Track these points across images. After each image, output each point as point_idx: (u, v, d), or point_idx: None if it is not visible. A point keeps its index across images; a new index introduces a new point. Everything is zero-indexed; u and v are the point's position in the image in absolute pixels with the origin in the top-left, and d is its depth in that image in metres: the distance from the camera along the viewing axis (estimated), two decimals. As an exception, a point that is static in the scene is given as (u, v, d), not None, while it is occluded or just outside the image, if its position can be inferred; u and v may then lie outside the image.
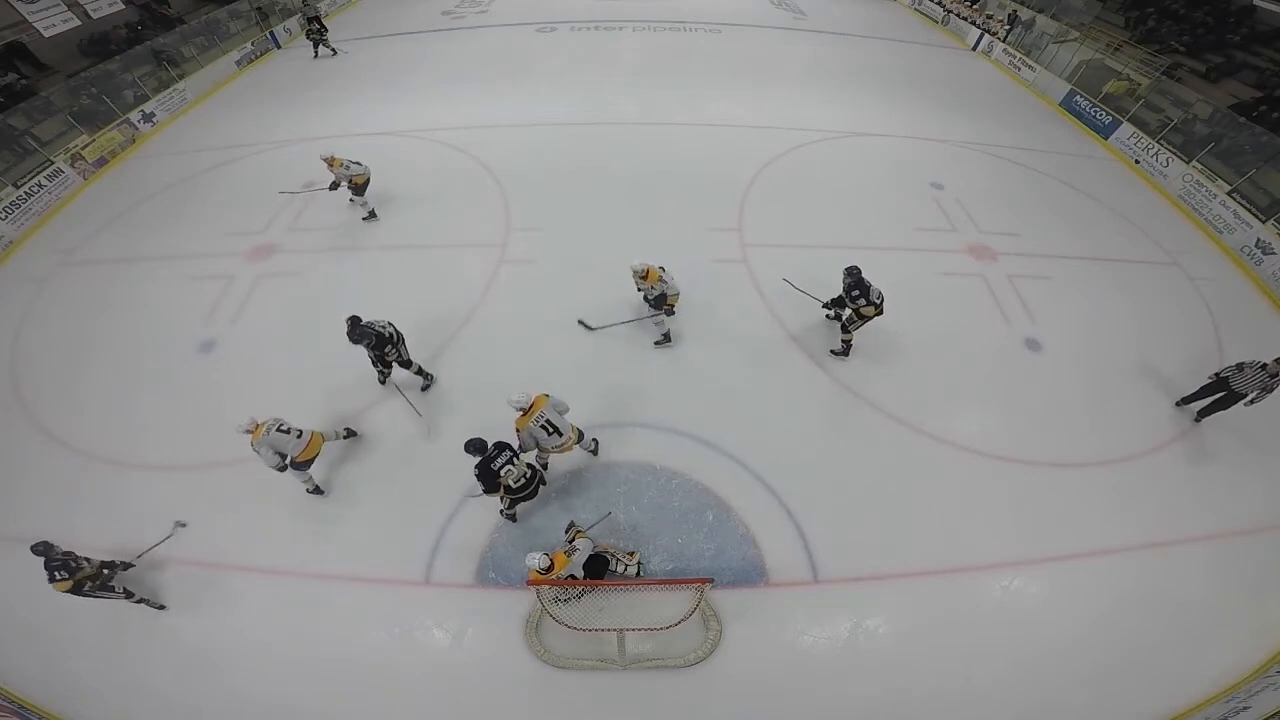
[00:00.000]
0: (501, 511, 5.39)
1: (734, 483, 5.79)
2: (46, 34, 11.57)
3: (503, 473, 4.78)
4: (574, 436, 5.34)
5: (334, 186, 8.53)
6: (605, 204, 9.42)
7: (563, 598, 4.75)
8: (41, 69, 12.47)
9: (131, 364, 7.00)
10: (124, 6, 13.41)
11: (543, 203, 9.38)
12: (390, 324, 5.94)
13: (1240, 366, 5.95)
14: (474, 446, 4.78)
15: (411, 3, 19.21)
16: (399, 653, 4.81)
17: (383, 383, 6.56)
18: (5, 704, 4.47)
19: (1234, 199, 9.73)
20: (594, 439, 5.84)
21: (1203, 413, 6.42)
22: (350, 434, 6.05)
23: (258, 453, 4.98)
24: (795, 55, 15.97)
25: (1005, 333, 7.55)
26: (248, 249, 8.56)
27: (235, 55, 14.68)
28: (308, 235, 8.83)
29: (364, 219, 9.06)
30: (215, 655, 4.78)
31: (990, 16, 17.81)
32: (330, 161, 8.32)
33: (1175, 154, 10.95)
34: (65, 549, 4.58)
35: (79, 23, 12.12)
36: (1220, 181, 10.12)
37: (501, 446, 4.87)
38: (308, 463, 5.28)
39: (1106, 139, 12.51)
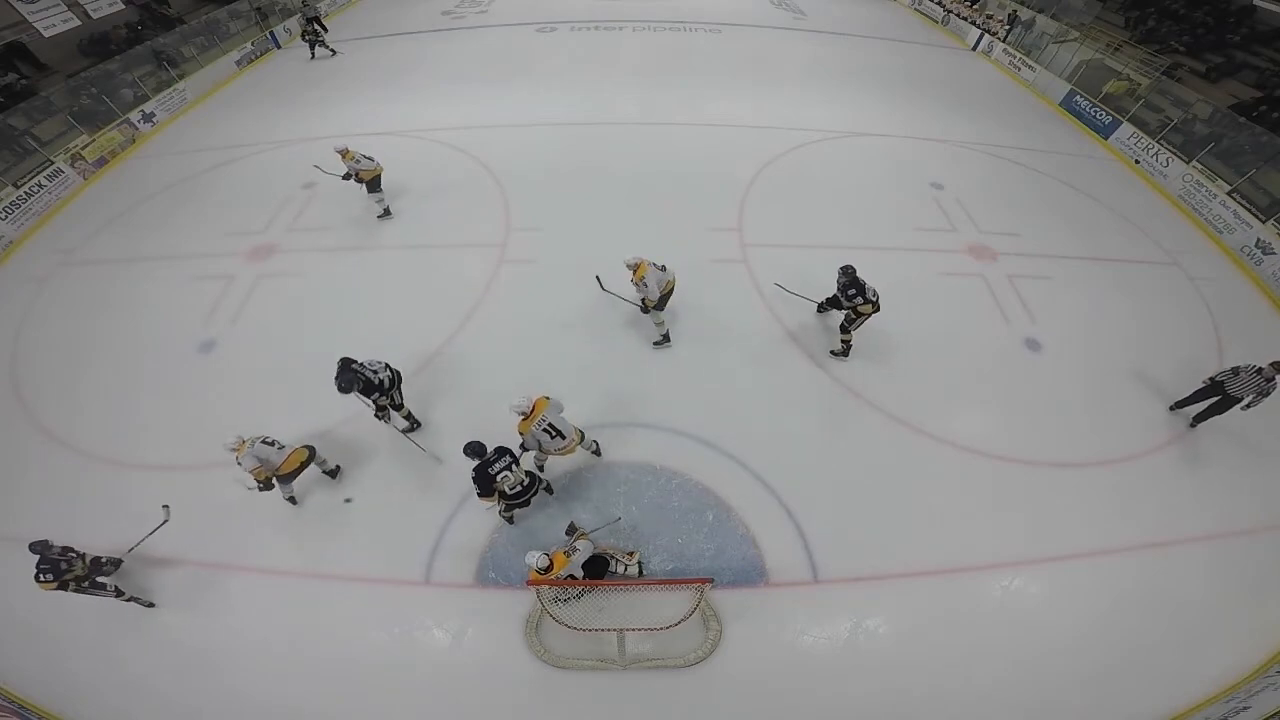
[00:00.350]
0: (499, 513, 5.39)
1: (734, 483, 5.79)
2: (46, 34, 11.58)
3: (499, 478, 4.77)
4: (577, 438, 5.34)
5: (346, 177, 8.60)
6: (605, 204, 9.42)
7: (563, 598, 4.75)
8: (41, 69, 12.48)
9: (131, 364, 7.00)
10: (124, 6, 13.41)
11: (543, 203, 9.38)
12: (387, 366, 5.62)
13: (1235, 371, 5.91)
14: (473, 450, 4.79)
15: (411, 3, 19.21)
16: (399, 653, 4.81)
17: (381, 419, 5.94)
18: (5, 704, 4.47)
19: (1234, 199, 9.73)
20: (594, 440, 5.83)
21: (1198, 418, 6.38)
22: (336, 472, 5.80)
23: (239, 464, 4.92)
24: (795, 55, 15.96)
25: (1005, 333, 7.55)
26: (248, 249, 8.56)
27: (235, 55, 14.68)
28: (308, 235, 8.83)
29: (379, 217, 9.07)
30: (215, 655, 4.78)
31: (990, 16, 17.81)
32: (344, 154, 8.40)
33: (1175, 154, 10.95)
34: (63, 546, 4.59)
35: (79, 23, 12.13)
36: (1220, 181, 10.13)
37: (501, 452, 4.86)
38: (290, 475, 5.25)
39: (1106, 139, 12.51)
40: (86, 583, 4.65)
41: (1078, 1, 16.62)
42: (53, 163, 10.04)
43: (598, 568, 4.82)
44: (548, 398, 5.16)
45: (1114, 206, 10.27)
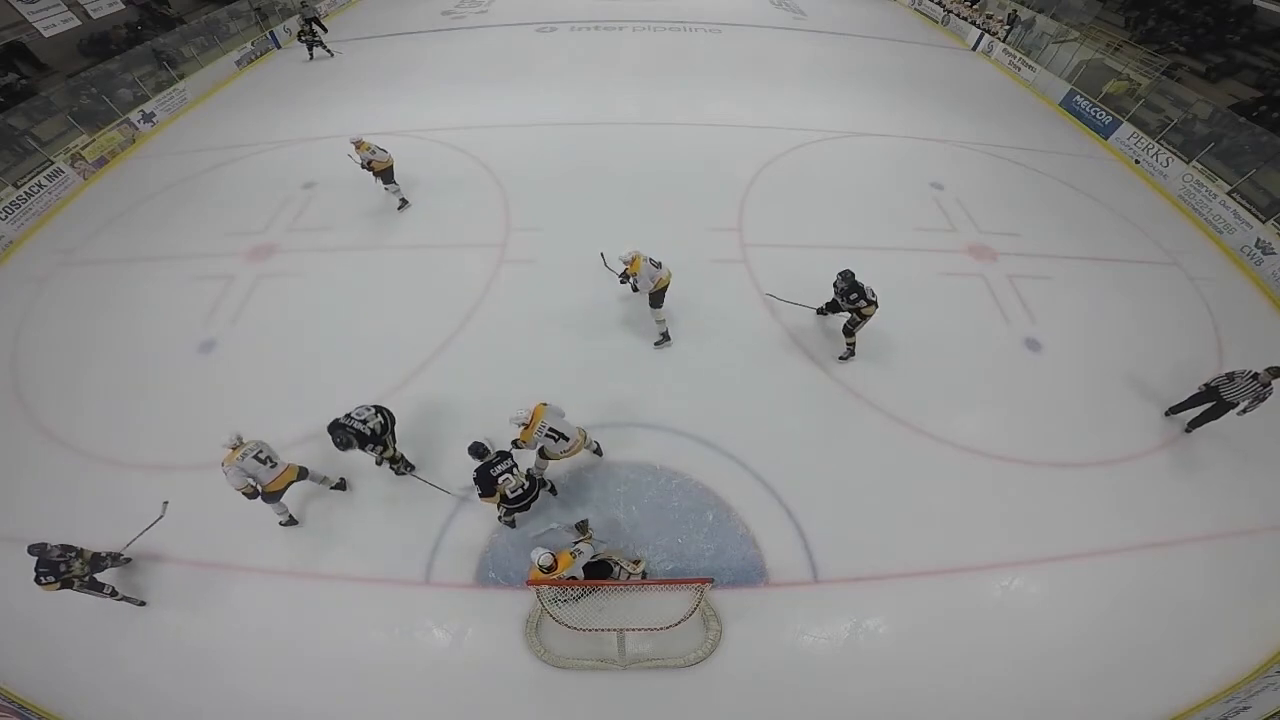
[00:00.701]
0: (499, 518, 5.39)
1: (734, 483, 5.79)
2: (46, 34, 11.58)
3: (500, 480, 4.79)
4: (581, 439, 5.33)
5: (364, 166, 8.75)
6: (605, 204, 9.42)
7: (563, 598, 4.74)
8: (41, 69, 12.49)
9: (131, 364, 7.00)
10: (124, 6, 13.41)
11: (543, 203, 9.38)
12: (377, 410, 5.29)
13: (1231, 376, 5.88)
14: (475, 451, 4.81)
15: (411, 3, 19.21)
16: (399, 653, 4.81)
17: (396, 470, 5.73)
18: (5, 704, 4.47)
19: (1234, 199, 9.73)
20: (595, 440, 5.83)
21: (1193, 423, 6.35)
22: (343, 485, 5.68)
23: (225, 474, 4.81)
24: (795, 55, 15.96)
25: (1005, 333, 7.55)
26: (248, 249, 8.56)
27: (235, 55, 14.69)
28: (308, 235, 8.83)
29: (398, 208, 9.25)
30: (215, 655, 4.78)
31: (990, 16, 17.81)
32: (358, 145, 8.54)
33: (1175, 154, 10.95)
34: (61, 545, 4.59)
35: (79, 23, 12.12)
36: (1220, 181, 10.13)
37: (503, 455, 4.88)
38: (277, 494, 5.12)
39: (1106, 139, 12.51)
40: (87, 580, 4.65)
41: (1078, 1, 16.62)
42: (53, 163, 10.04)
43: (599, 571, 4.82)
44: (546, 404, 5.16)
45: (1114, 206, 10.27)
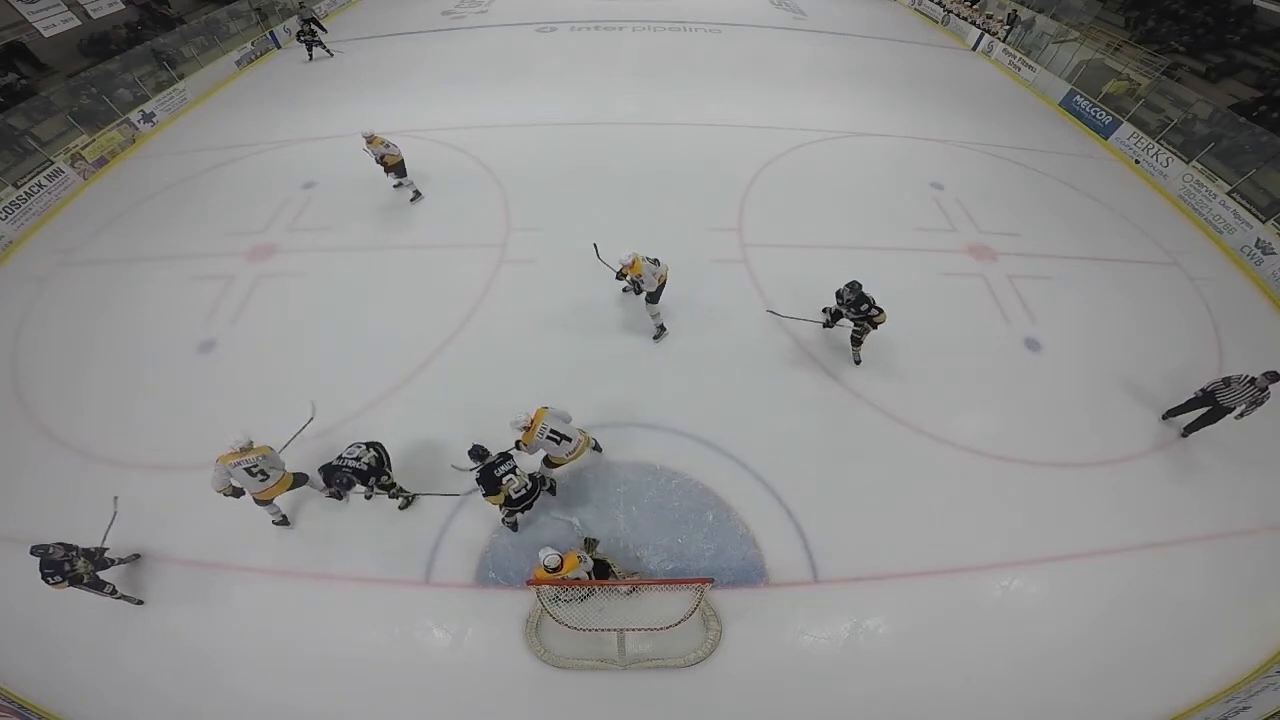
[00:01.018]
0: (503, 520, 5.38)
1: (734, 483, 5.79)
2: (46, 34, 11.57)
3: (504, 481, 4.80)
4: (584, 441, 5.33)
5: (378, 161, 8.86)
6: (605, 204, 9.42)
7: (566, 598, 4.74)
8: (41, 69, 12.48)
9: (131, 364, 7.00)
10: (124, 6, 13.40)
11: (543, 203, 9.38)
12: (368, 445, 5.11)
13: (1227, 381, 5.87)
14: (476, 454, 4.81)
15: (411, 3, 19.20)
16: (399, 653, 4.81)
17: (399, 500, 5.57)
18: (5, 704, 4.47)
19: (1234, 199, 9.73)
20: (593, 438, 5.82)
21: (1190, 428, 6.33)
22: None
23: (212, 470, 4.79)
24: (795, 55, 15.96)
25: (1005, 333, 7.55)
26: (248, 249, 8.56)
27: (235, 55, 14.68)
28: (308, 235, 8.83)
29: (411, 200, 9.38)
30: (214, 655, 4.78)
31: (990, 16, 17.81)
32: (370, 139, 8.62)
33: (1175, 154, 10.95)
34: (62, 545, 4.58)
35: (79, 23, 12.11)
36: (1220, 181, 10.13)
37: (505, 456, 4.90)
38: (267, 501, 5.15)
39: (1106, 139, 12.51)
40: (91, 578, 4.67)
41: (1078, 1, 16.61)
42: (53, 163, 10.04)
43: (599, 571, 4.83)
44: (547, 407, 5.16)
45: (1114, 206, 10.27)
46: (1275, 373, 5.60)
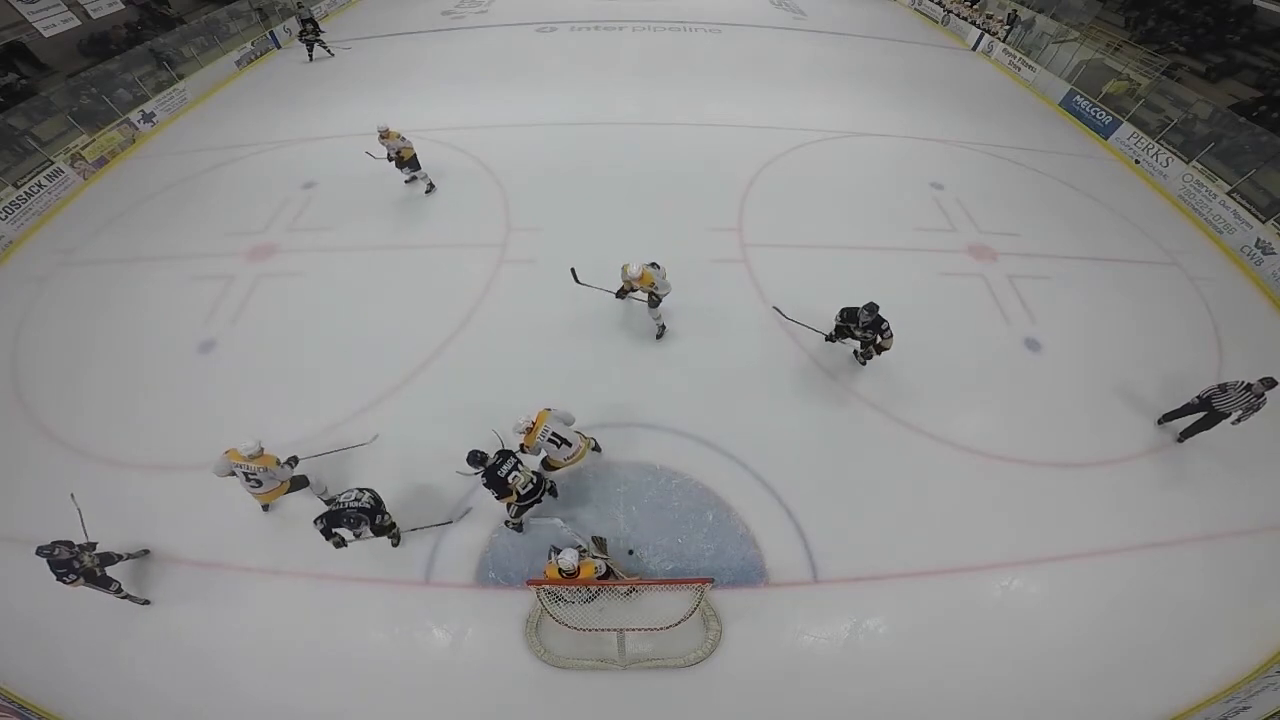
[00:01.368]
0: (507, 522, 5.38)
1: (734, 483, 5.79)
2: (46, 34, 11.57)
3: (510, 478, 4.78)
4: (585, 445, 5.32)
5: (394, 155, 8.93)
6: (606, 204, 9.42)
7: (568, 599, 4.73)
8: (41, 69, 12.48)
9: (131, 364, 7.00)
10: (124, 6, 13.40)
11: (543, 203, 9.38)
12: (361, 490, 4.93)
13: (1224, 387, 5.84)
14: (475, 459, 4.77)
15: (411, 3, 19.20)
16: (399, 653, 4.81)
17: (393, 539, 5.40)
18: (5, 704, 4.47)
19: (1234, 199, 9.73)
20: (593, 438, 5.82)
21: (1185, 433, 6.29)
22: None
23: (217, 459, 4.89)
24: (795, 55, 15.96)
25: (1005, 333, 7.55)
26: (248, 249, 8.56)
27: (235, 55, 14.68)
28: (308, 235, 8.83)
29: (425, 192, 9.55)
30: (215, 655, 4.78)
31: (990, 16, 17.80)
32: (385, 134, 8.71)
33: (1175, 154, 10.94)
34: (64, 544, 4.57)
35: (79, 23, 12.12)
36: (1220, 181, 10.12)
37: (505, 455, 4.88)
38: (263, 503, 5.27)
39: (1106, 139, 12.51)
40: (99, 575, 4.68)
41: (1078, 1, 16.61)
42: (53, 163, 10.04)
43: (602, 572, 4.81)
44: (549, 409, 5.15)
45: (1114, 206, 10.27)
46: (1272, 379, 5.57)
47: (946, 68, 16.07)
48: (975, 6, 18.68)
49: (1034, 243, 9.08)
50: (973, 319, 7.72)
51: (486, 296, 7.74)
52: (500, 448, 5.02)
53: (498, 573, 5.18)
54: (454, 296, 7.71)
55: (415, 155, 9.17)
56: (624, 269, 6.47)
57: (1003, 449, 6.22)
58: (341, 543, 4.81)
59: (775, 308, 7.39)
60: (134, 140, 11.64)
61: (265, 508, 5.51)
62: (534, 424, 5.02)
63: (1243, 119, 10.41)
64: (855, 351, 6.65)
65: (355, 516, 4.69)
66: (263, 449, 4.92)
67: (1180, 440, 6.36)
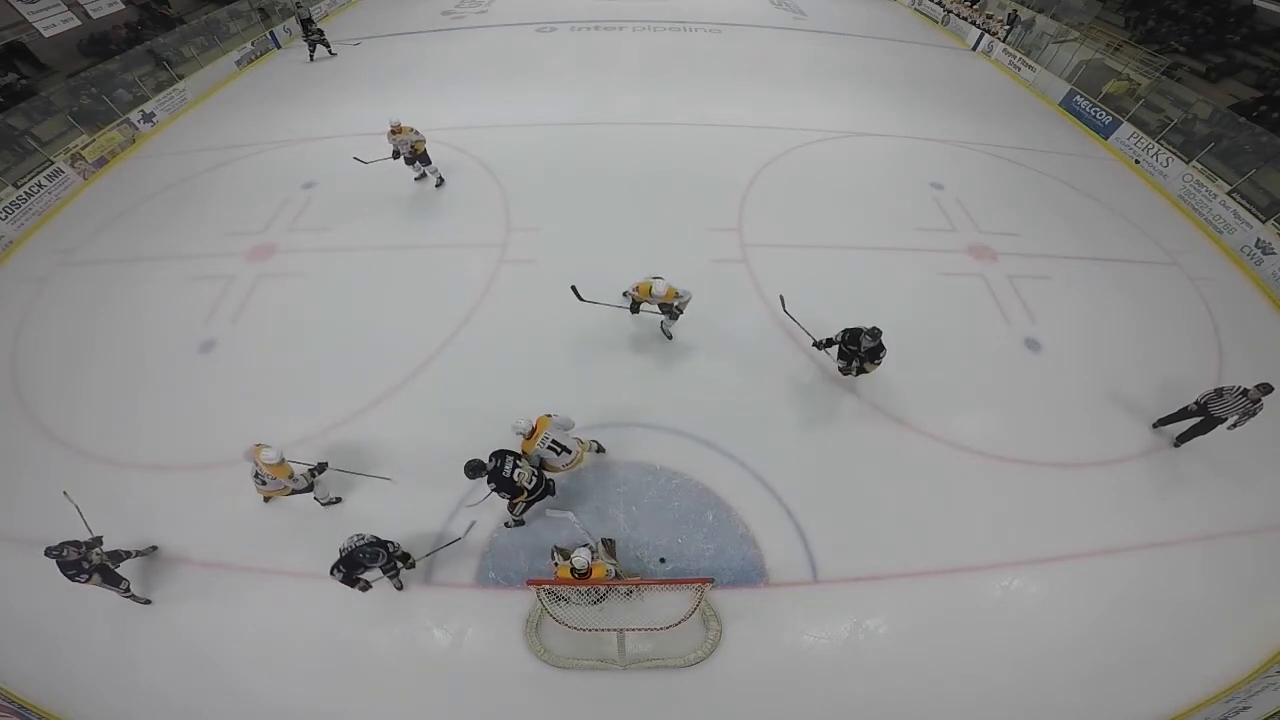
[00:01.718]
0: (507, 523, 5.37)
1: (734, 483, 5.79)
2: (46, 34, 11.57)
3: (515, 476, 4.77)
4: (584, 451, 5.30)
5: (396, 155, 8.92)
6: (606, 204, 9.42)
7: (573, 600, 4.71)
8: (41, 69, 12.48)
9: (131, 364, 7.00)
10: (124, 6, 13.40)
11: (543, 203, 9.37)
12: (359, 535, 4.67)
13: (1220, 392, 5.83)
14: (473, 468, 4.71)
15: (411, 3, 19.19)
16: (399, 653, 4.81)
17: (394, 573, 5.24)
18: (5, 704, 4.47)
19: (1234, 199, 9.73)
20: (594, 441, 5.82)
21: (1181, 438, 6.27)
22: (337, 500, 5.66)
23: (247, 451, 4.99)
24: (795, 55, 15.95)
25: (1005, 333, 7.55)
26: (248, 249, 8.56)
27: (235, 55, 14.67)
28: (308, 235, 8.83)
29: (436, 186, 9.66)
30: (215, 655, 4.78)
31: (990, 16, 17.80)
32: (397, 129, 8.74)
33: (1175, 154, 10.94)
34: (71, 544, 4.55)
35: (79, 23, 12.12)
36: (1220, 181, 10.12)
37: (503, 455, 4.85)
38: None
39: (1106, 139, 12.50)
40: (109, 575, 4.68)
41: (1078, 1, 16.61)
42: (53, 163, 10.03)
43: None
44: (550, 415, 5.14)
45: (1114, 206, 10.27)
46: (1268, 385, 5.54)
47: (946, 68, 16.07)
48: (975, 6, 18.68)
49: (1034, 243, 9.08)
50: (973, 319, 7.72)
51: (486, 296, 7.74)
52: (496, 449, 4.96)
53: (498, 573, 5.18)
54: (454, 296, 7.71)
55: (426, 149, 9.21)
56: (646, 289, 6.30)
57: (1003, 449, 6.22)
58: (367, 586, 4.69)
59: (780, 297, 7.40)
60: (134, 140, 11.64)
61: (266, 500, 5.55)
62: (534, 429, 5.00)
63: (1243, 119, 10.41)
64: (841, 368, 6.61)
65: (370, 552, 4.54)
66: (284, 459, 4.93)
67: (1177, 445, 6.35)
